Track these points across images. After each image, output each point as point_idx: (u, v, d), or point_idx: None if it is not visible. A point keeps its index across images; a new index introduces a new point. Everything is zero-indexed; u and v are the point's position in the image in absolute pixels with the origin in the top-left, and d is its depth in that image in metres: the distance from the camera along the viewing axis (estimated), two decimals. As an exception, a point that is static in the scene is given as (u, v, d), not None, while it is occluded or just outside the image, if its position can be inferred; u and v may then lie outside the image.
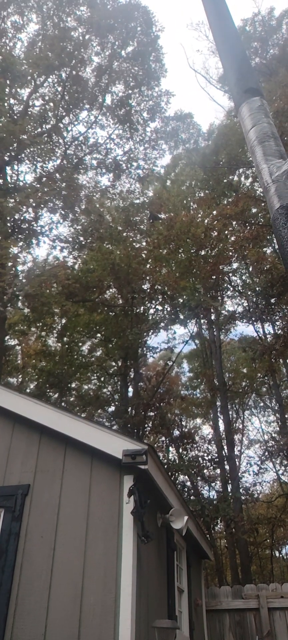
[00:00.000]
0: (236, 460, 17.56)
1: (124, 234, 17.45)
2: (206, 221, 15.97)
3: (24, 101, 15.67)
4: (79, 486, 4.31)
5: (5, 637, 3.78)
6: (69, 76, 16.21)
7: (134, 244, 17.54)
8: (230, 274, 17.56)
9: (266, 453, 17.41)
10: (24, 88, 15.49)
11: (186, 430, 19.67)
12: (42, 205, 13.89)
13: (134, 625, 3.60)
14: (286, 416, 17.45)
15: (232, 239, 15.98)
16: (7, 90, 14.13)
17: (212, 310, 18.02)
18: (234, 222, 16.07)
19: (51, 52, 14.86)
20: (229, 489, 15.82)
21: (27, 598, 3.91)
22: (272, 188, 1.43)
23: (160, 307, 16.94)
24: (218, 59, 19.92)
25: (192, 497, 15.17)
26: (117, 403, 18.73)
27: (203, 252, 16.11)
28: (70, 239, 16.45)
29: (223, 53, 1.85)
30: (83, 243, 16.51)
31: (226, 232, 15.90)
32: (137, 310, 17.44)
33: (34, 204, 13.19)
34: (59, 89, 16.46)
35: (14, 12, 15.84)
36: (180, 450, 17.48)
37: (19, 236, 14.33)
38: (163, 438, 19.35)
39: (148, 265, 16.39)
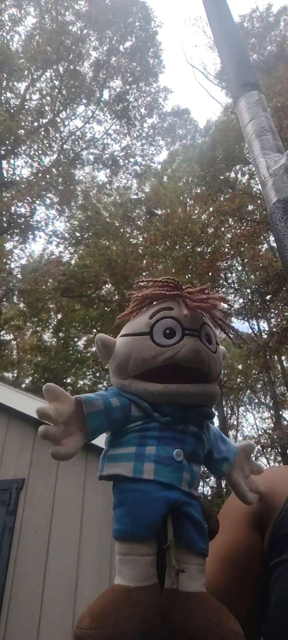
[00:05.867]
0: (231, 456, 17.57)
1: (121, 230, 17.41)
2: (203, 217, 15.97)
3: (20, 95, 15.60)
4: (73, 480, 4.31)
5: (-1, 630, 3.79)
6: (67, 70, 16.14)
7: (131, 240, 17.50)
8: (226, 271, 17.58)
9: (259, 446, 17.47)
10: (21, 82, 15.43)
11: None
12: (38, 200, 13.84)
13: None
14: (280, 412, 17.52)
15: (229, 235, 15.99)
16: (4, 83, 14.06)
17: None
18: (230, 219, 16.08)
19: (49, 46, 14.81)
20: (223, 485, 15.89)
21: (21, 591, 3.91)
22: (269, 182, 1.43)
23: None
24: (215, 55, 19.89)
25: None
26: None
27: (199, 249, 16.12)
28: (67, 235, 16.39)
29: (222, 47, 1.85)
30: (79, 238, 16.46)
31: (223, 228, 15.91)
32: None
33: (29, 199, 13.14)
34: (56, 83, 16.38)
35: (11, 5, 15.74)
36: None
37: (15, 231, 14.28)
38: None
39: (144, 262, 16.37)
